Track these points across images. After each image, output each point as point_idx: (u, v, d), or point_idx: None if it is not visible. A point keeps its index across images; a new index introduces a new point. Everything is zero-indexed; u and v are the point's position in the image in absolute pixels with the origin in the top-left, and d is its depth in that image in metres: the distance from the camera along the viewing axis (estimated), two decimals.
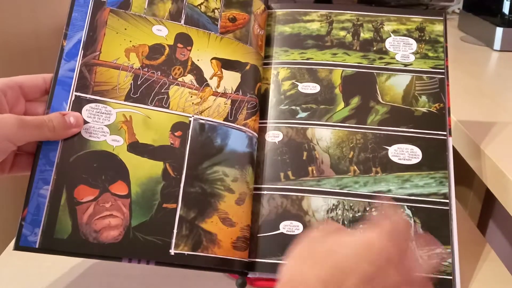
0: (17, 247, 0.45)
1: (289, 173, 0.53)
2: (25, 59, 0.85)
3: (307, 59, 0.57)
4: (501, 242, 1.08)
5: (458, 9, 1.38)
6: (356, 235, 0.37)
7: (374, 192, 0.52)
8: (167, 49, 0.52)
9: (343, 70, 0.57)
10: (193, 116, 0.51)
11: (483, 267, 0.56)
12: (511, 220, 1.00)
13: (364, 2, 1.37)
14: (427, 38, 0.58)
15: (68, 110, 0.48)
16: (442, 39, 0.58)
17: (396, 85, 0.56)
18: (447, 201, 0.51)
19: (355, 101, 0.55)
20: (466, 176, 0.99)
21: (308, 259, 0.35)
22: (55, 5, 0.94)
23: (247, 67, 0.55)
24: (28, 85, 0.47)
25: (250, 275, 0.50)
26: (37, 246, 0.45)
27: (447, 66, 0.57)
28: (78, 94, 0.49)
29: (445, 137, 0.54)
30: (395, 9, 0.60)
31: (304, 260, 0.36)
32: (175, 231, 0.47)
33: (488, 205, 1.12)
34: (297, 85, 0.56)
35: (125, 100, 0.50)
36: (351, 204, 0.51)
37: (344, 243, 0.36)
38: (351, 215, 0.51)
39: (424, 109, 0.55)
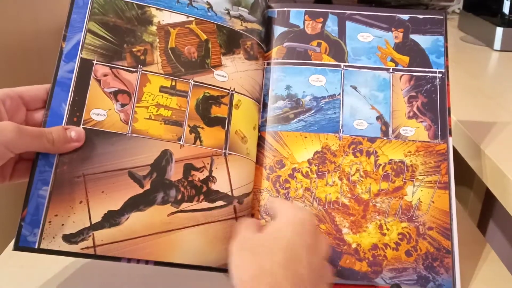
0: (17, 248, 0.45)
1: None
2: (25, 59, 0.85)
3: None
4: (501, 242, 1.08)
5: (458, 9, 1.38)
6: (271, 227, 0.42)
7: None
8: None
9: None
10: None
11: (483, 267, 0.56)
12: (511, 220, 1.00)
13: (364, 2, 1.37)
14: None
15: (67, 111, 0.48)
16: None
17: None
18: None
19: None
20: (466, 176, 0.99)
21: (257, 252, 0.39)
22: (55, 5, 0.94)
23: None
24: (29, 95, 0.48)
25: None
26: (36, 247, 0.45)
27: (447, 66, 0.57)
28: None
29: None
30: (395, 10, 0.60)
31: (254, 254, 0.39)
32: None
33: (488, 205, 1.12)
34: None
35: None
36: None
37: (276, 228, 0.41)
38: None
39: None
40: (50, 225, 0.45)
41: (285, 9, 0.60)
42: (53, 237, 0.45)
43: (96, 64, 0.50)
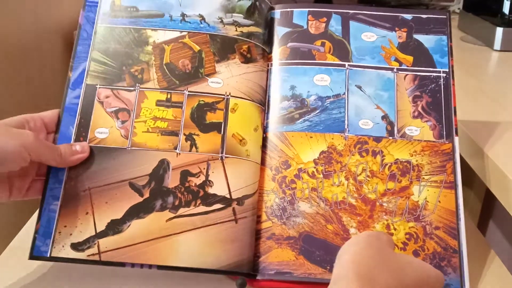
0: (31, 257, 0.49)
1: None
2: (25, 59, 0.85)
3: None
4: (501, 242, 1.08)
5: (458, 9, 1.38)
6: (418, 261, 0.42)
7: None
8: None
9: None
10: None
11: (483, 267, 0.56)
12: (511, 220, 1.00)
13: (364, 2, 1.37)
14: None
15: (74, 132, 0.52)
16: None
17: None
18: None
19: None
20: (466, 176, 0.99)
21: (386, 266, 0.39)
22: (55, 5, 0.94)
23: None
24: (48, 118, 0.53)
25: (259, 277, 0.50)
26: (48, 255, 0.49)
27: (452, 66, 0.57)
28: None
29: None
30: (399, 9, 0.60)
31: (383, 264, 0.39)
32: None
33: (488, 205, 1.12)
34: None
35: None
36: None
37: (413, 266, 0.40)
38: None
39: None
40: (60, 235, 0.49)
41: (288, 9, 0.60)
42: (63, 246, 0.49)
43: (99, 88, 0.54)
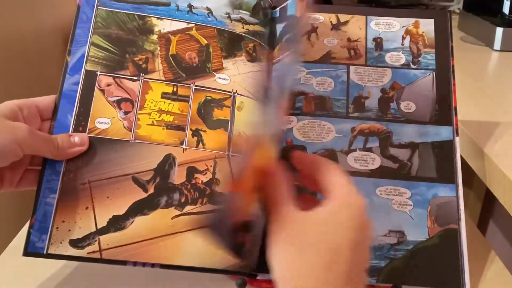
0: (26, 253, 0.46)
1: None
2: (25, 59, 0.85)
3: None
4: (501, 242, 1.08)
5: (458, 9, 1.38)
6: (322, 210, 0.38)
7: None
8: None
9: None
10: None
11: (483, 267, 0.56)
12: (511, 220, 1.00)
13: (365, 2, 1.37)
14: None
15: (73, 121, 0.50)
16: None
17: None
18: None
19: None
20: (466, 176, 0.99)
21: (303, 247, 0.36)
22: (55, 5, 0.94)
23: None
24: (43, 104, 0.50)
25: (260, 277, 0.50)
26: (44, 252, 0.46)
27: (453, 66, 0.57)
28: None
29: None
30: (399, 10, 0.60)
31: (299, 249, 0.36)
32: None
33: (488, 205, 1.12)
34: None
35: None
36: None
37: (321, 221, 0.37)
38: None
39: None
40: (58, 231, 0.47)
41: (283, 4, 0.60)
42: (61, 243, 0.47)
43: (100, 75, 0.51)
